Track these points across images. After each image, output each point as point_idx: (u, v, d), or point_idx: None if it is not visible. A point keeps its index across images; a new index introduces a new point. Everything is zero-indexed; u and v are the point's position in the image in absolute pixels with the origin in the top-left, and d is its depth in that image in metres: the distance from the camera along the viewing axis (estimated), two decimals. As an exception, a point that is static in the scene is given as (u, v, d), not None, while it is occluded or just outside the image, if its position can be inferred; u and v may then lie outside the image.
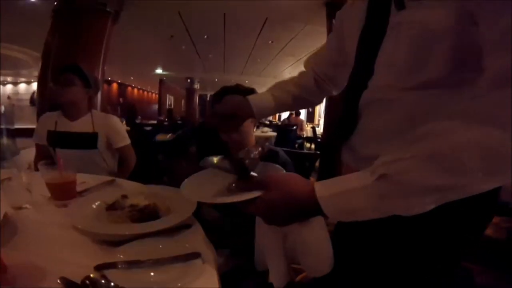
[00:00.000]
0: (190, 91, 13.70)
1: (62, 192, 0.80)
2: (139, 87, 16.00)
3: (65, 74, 1.41)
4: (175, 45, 6.76)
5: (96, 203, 0.76)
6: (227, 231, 1.03)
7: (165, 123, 8.13)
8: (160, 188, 0.87)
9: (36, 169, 0.91)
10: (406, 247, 0.56)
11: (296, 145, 5.90)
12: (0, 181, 0.81)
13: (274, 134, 5.24)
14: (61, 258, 0.54)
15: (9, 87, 10.71)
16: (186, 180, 0.61)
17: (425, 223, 0.51)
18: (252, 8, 4.25)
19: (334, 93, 0.84)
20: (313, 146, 6.52)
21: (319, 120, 10.83)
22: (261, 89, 0.89)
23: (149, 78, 12.63)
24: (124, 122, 4.90)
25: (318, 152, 2.70)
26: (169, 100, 16.01)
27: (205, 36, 6.06)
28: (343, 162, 0.67)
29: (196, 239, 0.64)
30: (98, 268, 0.48)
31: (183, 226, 0.67)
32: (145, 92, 17.27)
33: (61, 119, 1.45)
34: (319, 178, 3.04)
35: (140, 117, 8.99)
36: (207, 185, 0.57)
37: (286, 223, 0.49)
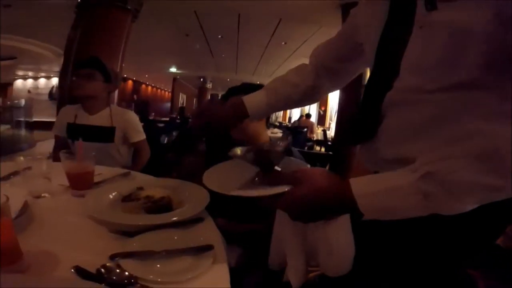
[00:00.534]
0: (202, 90, 13.87)
1: (80, 182, 0.82)
2: (153, 84, 16.27)
3: (87, 68, 1.45)
4: (189, 44, 6.86)
5: (113, 194, 0.78)
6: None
7: (177, 120, 8.24)
8: (174, 182, 0.88)
9: (55, 160, 0.94)
10: (421, 250, 0.55)
11: (306, 148, 5.86)
12: (20, 171, 0.84)
13: (284, 135, 5.22)
14: (76, 246, 0.55)
15: (29, 82, 11.13)
16: (207, 171, 0.61)
17: (440, 228, 0.50)
18: (266, 9, 4.26)
19: (329, 92, 0.82)
20: (323, 149, 6.47)
21: (329, 124, 10.73)
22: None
23: (163, 76, 12.85)
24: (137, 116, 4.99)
25: (331, 152, 2.67)
26: (182, 98, 16.23)
27: (219, 36, 6.12)
28: (356, 164, 0.66)
29: (208, 232, 0.65)
30: (113, 257, 0.49)
31: (196, 219, 0.68)
32: (159, 90, 17.55)
33: (81, 112, 1.50)
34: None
35: (153, 113, 9.15)
36: (229, 177, 0.56)
37: (314, 219, 0.49)
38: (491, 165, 0.36)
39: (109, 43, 2.82)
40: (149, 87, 16.32)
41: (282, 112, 20.22)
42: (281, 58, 7.69)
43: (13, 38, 6.41)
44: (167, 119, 8.73)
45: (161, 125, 4.90)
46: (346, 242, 0.59)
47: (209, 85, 13.75)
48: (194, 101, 16.07)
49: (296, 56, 7.03)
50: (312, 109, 12.41)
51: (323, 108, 11.83)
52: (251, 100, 0.75)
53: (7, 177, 0.88)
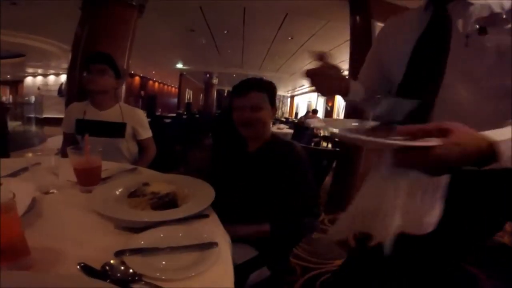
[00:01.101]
0: (208, 86, 13.87)
1: (88, 178, 0.83)
2: (159, 80, 16.36)
3: (97, 64, 1.46)
4: (195, 40, 6.84)
5: (119, 190, 0.79)
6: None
7: (184, 116, 8.30)
8: (179, 177, 0.89)
9: (63, 156, 0.95)
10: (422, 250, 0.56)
11: (312, 143, 5.83)
12: (29, 166, 0.85)
13: (291, 131, 5.20)
14: (82, 242, 0.56)
15: (39, 79, 11.32)
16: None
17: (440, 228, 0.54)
18: (272, 3, 4.20)
19: None
20: (329, 145, 6.42)
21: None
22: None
23: (170, 72, 12.88)
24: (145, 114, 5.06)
25: (338, 149, 2.62)
26: (188, 94, 16.29)
27: (225, 31, 6.08)
28: (363, 160, 0.66)
29: (213, 229, 0.65)
30: (118, 254, 0.50)
31: (201, 216, 0.68)
32: (165, 86, 17.65)
33: (90, 108, 1.51)
34: (335, 178, 2.97)
35: (160, 109, 9.22)
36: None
37: (450, 171, 0.48)
38: None
39: (116, 39, 2.83)
40: (156, 83, 16.42)
41: (288, 107, 20.15)
42: (288, 53, 7.60)
43: (20, 35, 6.51)
44: (174, 114, 8.79)
45: (168, 120, 4.94)
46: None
47: (215, 81, 13.74)
48: (201, 96, 16.10)
49: (303, 50, 6.94)
50: (319, 105, 12.31)
51: (330, 104, 11.72)
52: (354, 84, 0.87)
53: (16, 173, 0.89)
